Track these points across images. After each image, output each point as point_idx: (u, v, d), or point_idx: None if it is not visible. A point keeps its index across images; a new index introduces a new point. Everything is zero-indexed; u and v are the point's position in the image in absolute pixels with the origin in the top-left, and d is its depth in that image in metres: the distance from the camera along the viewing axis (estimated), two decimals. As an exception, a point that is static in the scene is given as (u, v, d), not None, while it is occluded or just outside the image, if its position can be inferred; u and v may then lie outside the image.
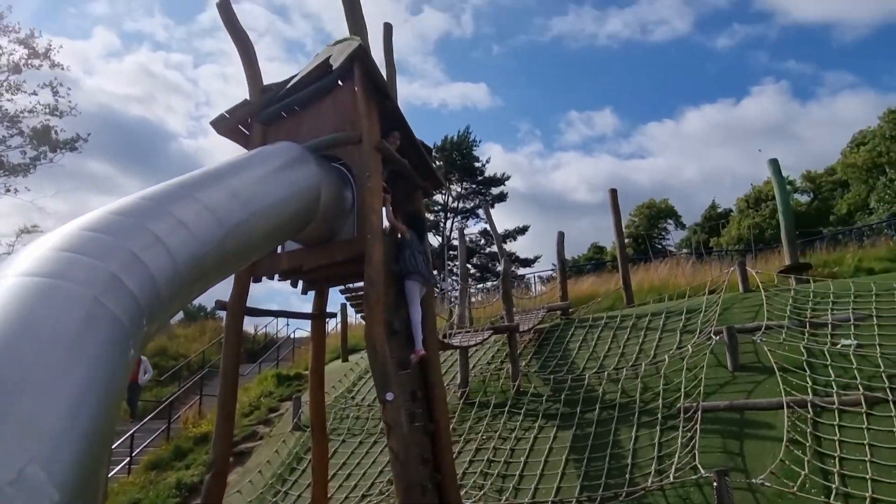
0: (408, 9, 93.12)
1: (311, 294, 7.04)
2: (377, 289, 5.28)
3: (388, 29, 7.29)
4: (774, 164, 12.16)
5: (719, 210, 40.41)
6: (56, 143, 20.02)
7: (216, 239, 3.80)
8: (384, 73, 7.15)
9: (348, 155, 5.80)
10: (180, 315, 26.48)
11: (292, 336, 22.15)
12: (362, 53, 5.72)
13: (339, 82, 6.03)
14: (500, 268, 12.41)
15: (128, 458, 11.93)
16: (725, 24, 77.75)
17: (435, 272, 31.25)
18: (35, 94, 19.73)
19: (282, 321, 22.24)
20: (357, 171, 5.74)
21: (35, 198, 22.39)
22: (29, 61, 19.80)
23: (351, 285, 8.40)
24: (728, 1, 75.41)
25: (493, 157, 74.89)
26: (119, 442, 11.94)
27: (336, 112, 5.98)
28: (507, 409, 9.25)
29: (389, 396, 5.04)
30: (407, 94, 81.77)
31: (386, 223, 6.06)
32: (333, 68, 5.77)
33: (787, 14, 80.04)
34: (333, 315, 7.24)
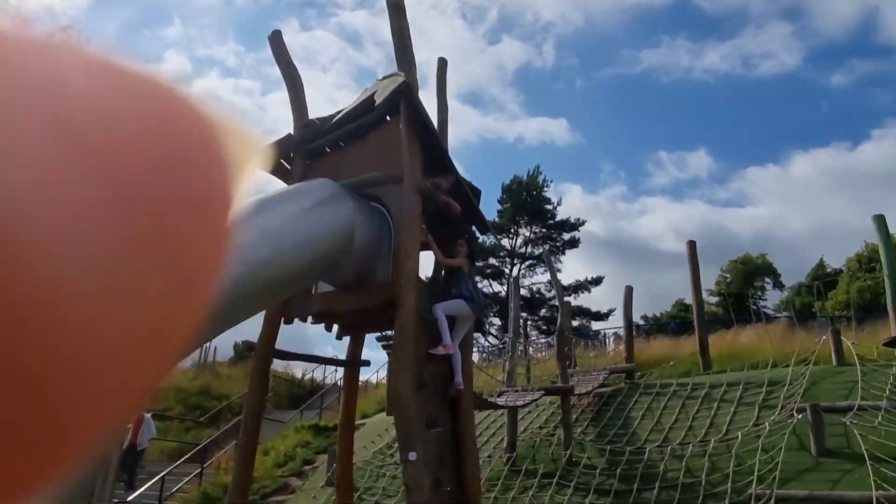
0: (485, 37, 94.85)
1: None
2: (407, 337, 5.35)
3: (442, 64, 7.57)
4: (880, 220, 11.58)
5: (828, 269, 38.56)
6: None
7: (236, 277, 4.00)
8: (440, 110, 7.42)
9: (388, 195, 5.97)
10: (228, 354, 27.33)
11: (339, 384, 22.40)
12: (406, 90, 5.94)
13: (387, 118, 6.29)
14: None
15: (156, 502, 12.30)
16: (842, 60, 75.86)
17: (497, 321, 31.19)
18: None
19: (329, 367, 22.60)
20: (395, 213, 5.88)
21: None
22: None
23: (388, 332, 8.52)
24: (846, 34, 73.73)
25: (571, 199, 74.55)
26: (149, 484, 12.36)
27: (379, 149, 6.20)
28: (555, 479, 9.01)
29: (412, 456, 5.05)
30: (480, 127, 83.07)
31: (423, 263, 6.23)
32: (376, 104, 6.03)
33: (916, 49, 77.06)
34: (367, 363, 7.36)
